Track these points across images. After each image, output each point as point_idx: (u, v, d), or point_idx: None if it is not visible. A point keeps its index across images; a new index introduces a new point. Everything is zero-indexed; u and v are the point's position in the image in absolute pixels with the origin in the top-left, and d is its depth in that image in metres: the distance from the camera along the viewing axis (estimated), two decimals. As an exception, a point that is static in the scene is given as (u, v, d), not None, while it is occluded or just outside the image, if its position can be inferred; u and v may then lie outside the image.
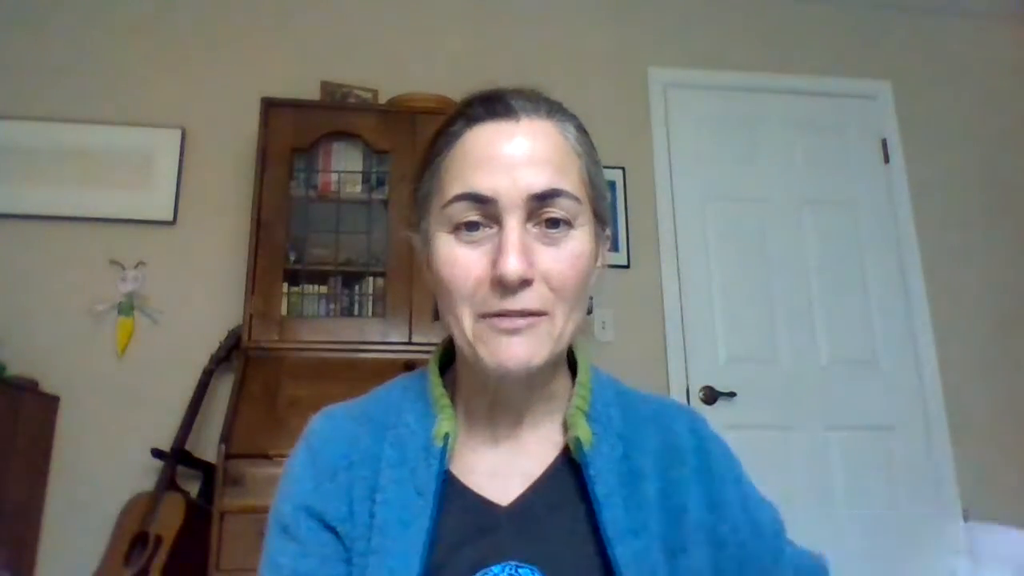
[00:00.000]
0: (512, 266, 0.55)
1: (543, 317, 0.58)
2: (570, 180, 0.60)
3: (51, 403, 2.19)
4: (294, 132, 2.29)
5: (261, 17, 2.70)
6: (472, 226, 0.59)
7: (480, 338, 0.59)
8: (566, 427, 0.65)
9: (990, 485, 2.61)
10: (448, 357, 0.70)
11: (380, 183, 2.39)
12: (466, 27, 2.81)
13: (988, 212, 2.94)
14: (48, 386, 2.19)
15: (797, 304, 2.71)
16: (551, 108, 0.64)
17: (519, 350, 0.57)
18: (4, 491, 1.97)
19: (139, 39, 2.60)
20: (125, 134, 2.48)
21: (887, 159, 2.92)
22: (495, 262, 0.57)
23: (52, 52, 2.54)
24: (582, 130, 0.66)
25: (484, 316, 0.58)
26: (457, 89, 2.80)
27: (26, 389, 2.13)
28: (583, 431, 0.63)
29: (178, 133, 2.51)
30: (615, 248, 2.60)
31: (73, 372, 2.24)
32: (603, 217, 0.65)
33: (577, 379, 0.68)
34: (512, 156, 0.59)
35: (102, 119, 2.48)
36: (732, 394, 2.54)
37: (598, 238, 0.64)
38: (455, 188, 0.59)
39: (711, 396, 2.54)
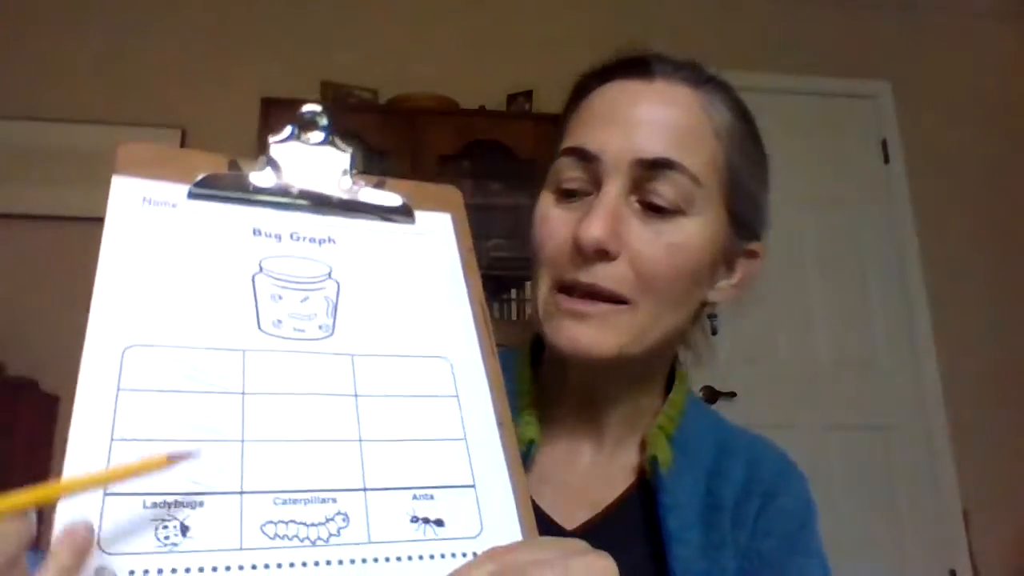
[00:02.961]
0: (591, 230, 0.48)
1: (623, 306, 0.50)
2: (693, 157, 0.51)
3: (51, 403, 2.19)
4: (294, 132, 2.29)
5: (261, 17, 2.70)
6: (572, 193, 0.53)
7: (549, 314, 0.52)
8: (644, 447, 0.57)
9: (990, 485, 2.61)
10: (540, 351, 0.62)
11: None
12: (466, 27, 2.81)
13: (988, 212, 2.93)
14: (48, 386, 2.19)
15: (796, 304, 2.71)
16: (701, 79, 0.55)
17: (581, 335, 0.50)
18: (4, 491, 1.97)
19: (139, 39, 2.60)
20: (125, 134, 2.48)
21: (887, 159, 2.92)
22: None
23: (52, 52, 2.53)
24: (742, 118, 0.56)
25: (559, 289, 0.52)
26: (457, 89, 2.81)
27: (26, 389, 2.13)
28: (662, 451, 0.55)
29: (178, 133, 2.51)
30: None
31: (73, 372, 2.23)
32: (745, 225, 0.56)
33: (668, 398, 0.59)
34: (631, 116, 0.52)
35: (102, 119, 2.48)
36: (732, 394, 2.54)
37: (728, 245, 0.55)
38: (566, 143, 0.54)
39: (711, 396, 2.54)
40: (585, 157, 0.52)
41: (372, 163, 2.41)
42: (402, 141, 2.34)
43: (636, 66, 0.55)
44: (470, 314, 0.43)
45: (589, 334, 0.50)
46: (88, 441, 0.31)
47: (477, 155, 2.45)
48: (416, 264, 0.43)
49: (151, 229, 0.38)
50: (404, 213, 0.44)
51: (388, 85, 2.55)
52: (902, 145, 2.93)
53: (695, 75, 0.55)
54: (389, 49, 2.72)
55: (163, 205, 0.39)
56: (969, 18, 3.14)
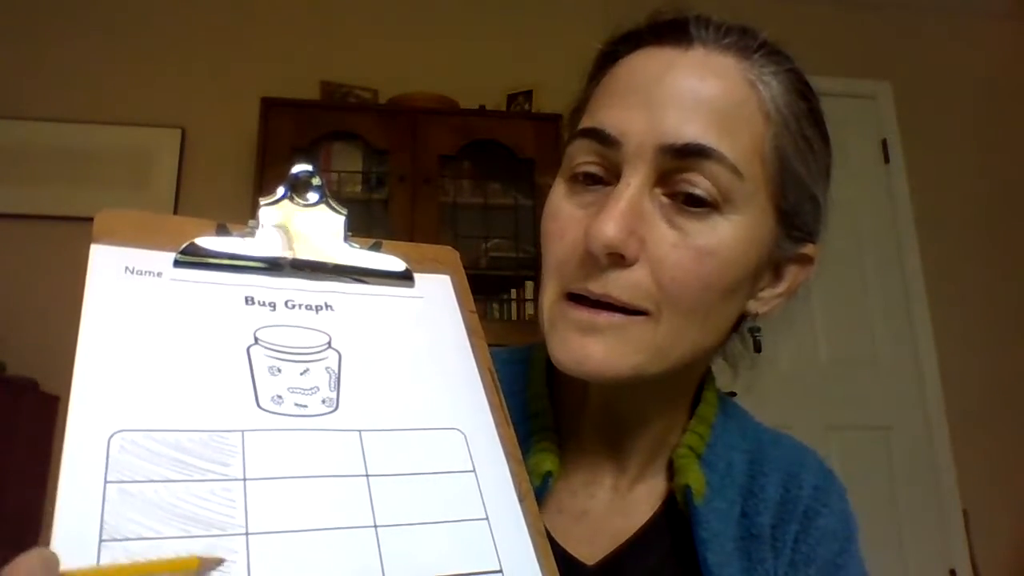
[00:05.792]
0: (604, 230, 0.41)
1: (640, 317, 0.43)
2: (734, 143, 0.42)
3: (51, 403, 2.19)
4: (294, 132, 2.29)
5: (261, 17, 2.70)
6: (590, 179, 0.45)
7: (554, 325, 0.45)
8: (672, 471, 0.51)
9: (990, 485, 2.61)
10: None
11: (380, 183, 2.39)
12: (466, 27, 2.81)
13: (988, 212, 2.93)
14: (48, 386, 2.19)
15: (797, 304, 2.70)
16: (751, 46, 0.45)
17: (590, 352, 0.43)
18: (4, 491, 1.97)
19: (139, 39, 2.60)
20: (125, 134, 2.48)
21: (887, 159, 2.92)
22: None
23: (52, 52, 2.53)
24: (800, 95, 0.46)
25: (567, 297, 0.44)
26: (457, 89, 2.80)
27: (26, 389, 2.13)
28: (695, 478, 0.49)
29: (178, 133, 2.51)
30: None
31: (73, 372, 2.24)
32: (797, 225, 0.47)
33: (696, 411, 0.53)
34: (659, 92, 0.43)
35: (102, 119, 2.48)
36: (732, 394, 2.54)
37: (775, 249, 0.47)
38: (584, 122, 0.46)
39: (711, 396, 2.54)
40: (604, 141, 0.43)
41: (372, 163, 2.41)
42: (402, 141, 2.34)
43: (671, 30, 0.46)
44: (479, 381, 0.40)
45: (599, 351, 0.43)
46: (74, 542, 0.28)
47: (477, 155, 2.45)
48: (419, 330, 0.40)
49: (135, 301, 0.35)
50: (404, 276, 0.42)
51: (388, 85, 2.55)
52: (902, 145, 2.93)
53: (743, 41, 0.45)
54: (389, 49, 2.72)
55: (147, 274, 0.36)
56: (969, 18, 3.14)
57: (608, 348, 0.43)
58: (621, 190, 0.42)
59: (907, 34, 3.09)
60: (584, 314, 0.43)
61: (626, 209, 0.41)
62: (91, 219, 0.38)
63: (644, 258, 0.42)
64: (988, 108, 3.06)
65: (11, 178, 2.39)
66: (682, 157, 0.42)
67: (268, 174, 2.24)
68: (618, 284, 0.42)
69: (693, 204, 0.42)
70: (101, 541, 0.28)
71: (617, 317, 0.43)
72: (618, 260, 0.42)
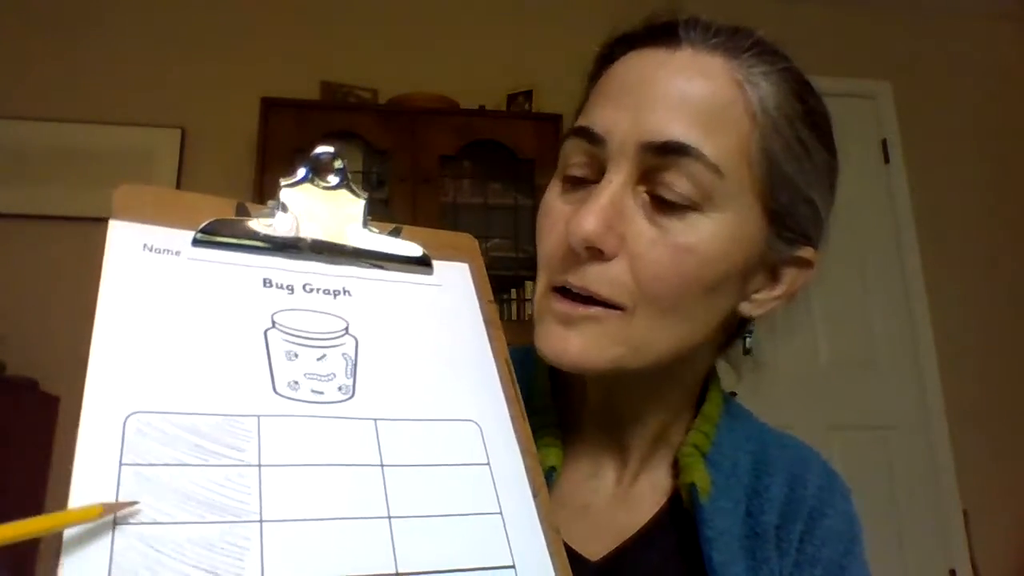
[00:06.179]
0: (582, 224, 0.41)
1: (616, 312, 0.43)
2: (718, 143, 0.42)
3: (51, 403, 2.19)
4: (294, 132, 2.29)
5: (261, 17, 2.70)
6: (580, 181, 0.46)
7: (541, 317, 0.46)
8: (677, 469, 0.51)
9: (990, 485, 2.61)
10: None
11: (380, 183, 2.39)
12: (466, 27, 2.81)
13: (988, 212, 2.93)
14: (48, 386, 2.19)
15: (797, 304, 2.70)
16: (740, 46, 0.45)
17: (571, 345, 0.43)
18: (4, 491, 1.97)
19: (139, 39, 2.60)
20: (125, 134, 2.48)
21: (887, 159, 2.92)
22: None
23: (52, 52, 2.53)
24: (796, 96, 0.47)
25: (553, 290, 0.45)
26: (457, 89, 2.80)
27: (26, 389, 2.13)
28: (700, 476, 0.49)
29: (178, 133, 2.51)
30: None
31: (73, 372, 2.23)
32: (790, 227, 0.48)
33: (701, 410, 0.54)
34: (645, 92, 0.44)
35: (102, 119, 2.48)
36: (732, 394, 2.54)
37: (767, 249, 0.47)
38: (577, 122, 0.47)
39: (711, 396, 2.54)
40: (591, 139, 0.44)
41: (372, 163, 2.41)
42: (402, 141, 2.34)
43: (663, 32, 0.46)
44: (496, 373, 0.40)
45: (577, 343, 0.43)
46: (87, 525, 0.27)
47: (477, 155, 2.45)
48: (436, 318, 0.40)
49: (153, 279, 0.35)
50: (422, 263, 0.41)
51: (388, 85, 2.55)
52: (902, 145, 2.93)
53: (732, 42, 0.45)
54: (389, 49, 2.72)
55: (165, 253, 0.36)
56: (969, 18, 3.14)
57: (585, 341, 0.43)
58: (603, 187, 0.43)
59: (907, 34, 3.09)
60: (566, 306, 0.44)
61: (606, 204, 0.42)
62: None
63: (624, 254, 0.43)
64: (988, 108, 3.06)
65: (11, 178, 2.39)
66: (662, 155, 0.42)
67: (268, 174, 2.24)
68: (596, 278, 0.43)
69: (673, 201, 0.43)
70: (115, 525, 0.28)
71: (594, 310, 0.43)
72: (596, 254, 0.43)
